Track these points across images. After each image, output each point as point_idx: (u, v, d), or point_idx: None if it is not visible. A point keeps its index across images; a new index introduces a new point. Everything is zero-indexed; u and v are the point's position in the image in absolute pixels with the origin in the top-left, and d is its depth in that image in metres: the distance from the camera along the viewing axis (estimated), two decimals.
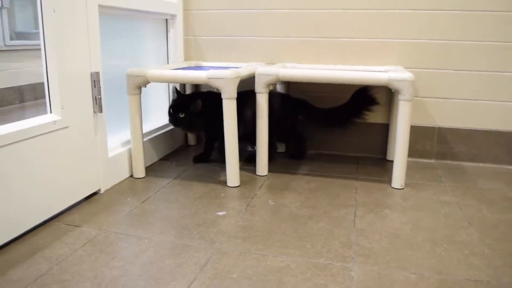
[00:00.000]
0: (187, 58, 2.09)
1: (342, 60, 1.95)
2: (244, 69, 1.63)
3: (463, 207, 1.43)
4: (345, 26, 1.92)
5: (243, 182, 1.60)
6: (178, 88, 2.08)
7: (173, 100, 1.71)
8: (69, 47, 1.31)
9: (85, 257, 1.09)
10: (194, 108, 1.64)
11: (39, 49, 1.27)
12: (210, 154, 1.85)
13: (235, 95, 1.50)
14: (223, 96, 1.49)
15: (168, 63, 2.02)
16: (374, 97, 1.77)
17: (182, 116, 1.64)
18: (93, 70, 1.40)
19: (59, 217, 1.30)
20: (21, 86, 3.29)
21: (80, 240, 1.17)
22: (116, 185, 1.57)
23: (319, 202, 1.45)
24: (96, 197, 1.46)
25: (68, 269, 1.03)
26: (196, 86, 2.09)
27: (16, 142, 1.14)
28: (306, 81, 1.56)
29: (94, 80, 1.40)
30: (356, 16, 1.90)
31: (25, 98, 3.29)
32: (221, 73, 1.48)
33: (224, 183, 1.59)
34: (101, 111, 1.44)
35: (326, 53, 1.96)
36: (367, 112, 1.81)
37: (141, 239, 1.18)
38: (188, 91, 2.08)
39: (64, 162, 1.31)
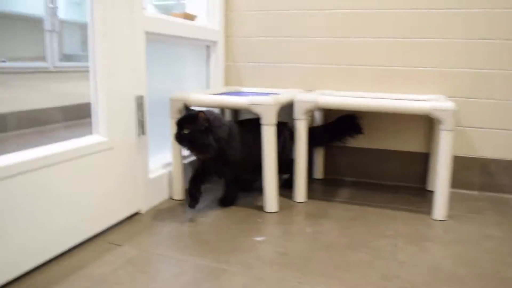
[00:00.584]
0: (227, 83, 2.13)
1: (381, 88, 1.94)
2: (284, 95, 1.64)
3: (508, 242, 1.37)
4: (384, 54, 1.92)
5: (281, 208, 1.60)
6: (217, 112, 2.11)
7: (181, 116, 1.50)
8: (116, 71, 1.36)
9: (126, 277, 1.10)
10: (200, 123, 1.41)
11: (85, 71, 1.33)
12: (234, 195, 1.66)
13: (275, 122, 1.51)
14: (263, 122, 1.50)
15: (208, 88, 2.06)
16: (360, 125, 1.83)
17: (186, 132, 1.41)
18: (138, 94, 1.45)
19: (101, 236, 1.33)
20: (67, 106, 3.42)
21: (120, 259, 1.19)
22: (156, 206, 1.59)
23: (358, 231, 1.43)
24: (137, 217, 1.49)
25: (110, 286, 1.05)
26: (235, 113, 2.12)
27: (64, 161, 1.18)
28: (346, 108, 1.56)
29: (139, 103, 1.45)
30: (397, 44, 1.90)
31: (70, 117, 3.42)
32: (262, 100, 1.50)
33: (262, 208, 1.59)
34: (144, 133, 1.47)
35: (364, 81, 1.96)
36: (349, 138, 1.87)
37: (180, 261, 1.18)
38: (228, 117, 2.10)
39: (107, 182, 1.35)
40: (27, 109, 3.17)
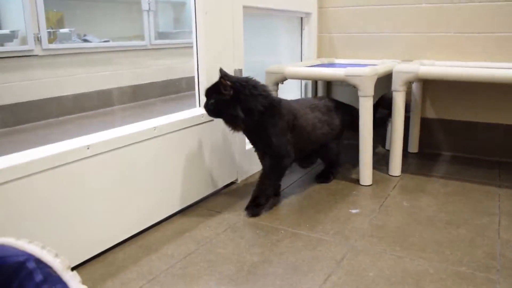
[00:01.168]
0: (320, 55, 2.11)
1: (488, 58, 1.80)
2: (381, 66, 1.59)
3: None
4: (493, 20, 1.77)
5: (375, 181, 1.58)
6: (312, 89, 2.11)
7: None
8: (216, 46, 1.40)
9: (227, 241, 1.17)
10: (224, 92, 1.23)
11: (178, 48, 1.39)
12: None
13: (373, 93, 1.48)
14: (360, 94, 1.48)
15: (301, 61, 2.05)
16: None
17: (211, 102, 1.26)
18: (237, 67, 1.49)
19: (202, 203, 1.41)
20: (162, 81, 3.61)
21: (222, 225, 1.25)
22: (250, 176, 1.65)
23: (458, 207, 1.37)
24: (233, 186, 1.55)
25: (213, 250, 1.12)
26: (328, 85, 2.10)
27: (171, 132, 1.26)
28: (452, 79, 1.48)
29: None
30: (508, 8, 1.75)
31: (166, 92, 3.61)
32: (359, 71, 1.47)
33: (356, 181, 1.58)
34: None
35: (468, 50, 1.83)
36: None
37: (277, 229, 1.22)
38: (321, 91, 2.09)
39: (207, 152, 1.42)
40: (128, 84, 3.39)
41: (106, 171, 1.09)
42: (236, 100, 1.23)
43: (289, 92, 2.04)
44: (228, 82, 1.22)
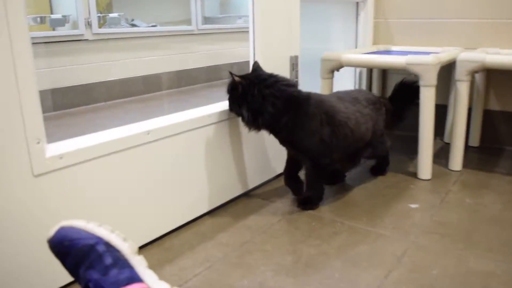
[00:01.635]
0: (375, 42, 2.06)
1: None
2: (444, 54, 1.54)
3: None
4: None
5: (434, 176, 1.53)
6: (366, 78, 2.06)
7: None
8: (273, 31, 1.40)
9: (282, 231, 1.17)
10: (234, 89, 1.20)
11: (224, 33, 1.38)
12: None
13: (435, 83, 1.43)
14: (421, 83, 1.43)
15: (356, 47, 2.01)
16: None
17: (228, 96, 1.23)
18: (293, 54, 1.47)
19: (255, 192, 1.41)
20: (208, 67, 3.63)
21: (276, 215, 1.26)
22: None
23: None
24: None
25: (268, 240, 1.12)
26: (383, 74, 2.05)
27: (227, 119, 1.27)
28: None
29: (293, 64, 1.48)
30: None
31: (212, 77, 3.63)
32: (422, 59, 1.43)
33: (414, 174, 1.55)
34: None
35: None
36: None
37: (334, 222, 1.21)
38: (376, 80, 2.05)
39: (263, 139, 1.42)
40: (175, 69, 3.44)
41: (164, 157, 1.11)
42: (243, 99, 1.19)
43: (342, 81, 2.01)
44: (237, 78, 1.18)
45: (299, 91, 1.24)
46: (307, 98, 1.23)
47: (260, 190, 1.43)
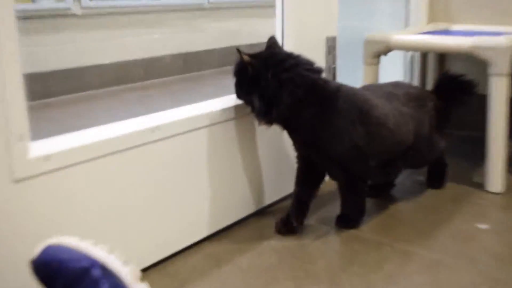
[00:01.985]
0: (431, 19, 2.02)
1: None
2: None
3: None
4: None
5: (509, 188, 1.50)
6: (418, 64, 2.03)
7: None
8: (306, 6, 1.38)
9: (317, 255, 1.15)
10: (244, 70, 1.16)
11: (242, 7, 1.37)
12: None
13: (509, 70, 1.40)
14: (491, 71, 1.40)
15: (406, 26, 1.98)
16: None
17: (235, 80, 1.21)
18: (329, 35, 1.46)
19: (274, 207, 1.39)
20: (222, 48, 3.62)
21: (309, 234, 1.24)
22: None
23: None
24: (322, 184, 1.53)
25: (300, 266, 1.10)
26: (440, 59, 2.01)
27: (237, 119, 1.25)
28: None
29: (329, 46, 1.46)
30: None
31: (227, 61, 3.63)
32: (492, 41, 1.40)
33: (480, 186, 1.51)
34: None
35: None
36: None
37: (382, 245, 1.19)
38: (431, 67, 2.01)
39: (288, 146, 1.40)
40: (181, 52, 3.44)
41: (171, 160, 1.10)
42: (254, 84, 1.15)
43: (389, 68, 1.98)
44: (246, 57, 1.14)
45: (326, 80, 1.21)
46: (337, 89, 1.20)
47: (281, 205, 1.40)
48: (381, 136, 1.22)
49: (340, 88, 1.20)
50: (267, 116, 1.16)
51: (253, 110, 1.18)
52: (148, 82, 3.20)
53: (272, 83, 1.13)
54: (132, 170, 1.03)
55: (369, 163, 1.24)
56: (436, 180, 1.52)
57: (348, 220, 1.28)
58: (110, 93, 2.98)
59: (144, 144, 1.03)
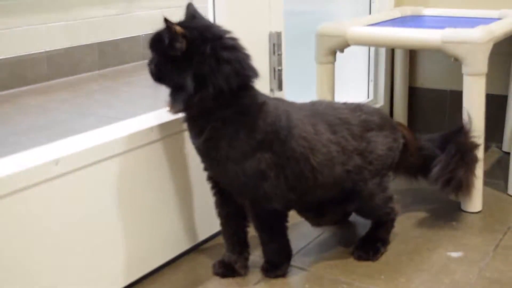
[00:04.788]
0: (399, 2, 2.10)
1: None
2: (500, 24, 1.61)
3: None
4: None
5: (487, 205, 1.61)
6: (386, 60, 2.08)
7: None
8: None
9: None
10: (170, 43, 1.17)
11: None
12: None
13: (486, 69, 1.50)
14: (465, 70, 1.51)
15: (370, 13, 2.07)
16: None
17: (151, 61, 1.24)
18: (274, 30, 1.53)
19: (207, 245, 1.48)
20: (148, 35, 3.64)
21: (253, 275, 1.32)
22: None
23: None
24: None
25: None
26: (411, 54, 2.08)
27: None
28: None
29: (274, 44, 1.53)
30: None
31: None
32: (465, 34, 1.49)
33: (456, 204, 1.62)
34: (280, 88, 1.57)
35: None
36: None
37: (337, 283, 1.27)
38: (399, 63, 2.09)
39: None
40: (98, 41, 3.43)
41: (77, 199, 1.15)
42: (188, 61, 1.17)
43: (353, 64, 2.05)
44: (179, 29, 1.15)
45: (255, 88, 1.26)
46: (262, 103, 1.24)
47: (218, 240, 1.46)
48: (297, 172, 1.26)
49: (266, 103, 1.25)
50: (190, 104, 1.19)
51: (176, 92, 1.21)
52: (54, 81, 3.19)
53: (209, 61, 1.17)
54: (21, 215, 1.06)
55: (283, 200, 1.27)
56: (366, 247, 1.42)
57: (273, 267, 1.33)
58: (3, 98, 2.96)
59: (43, 181, 1.08)
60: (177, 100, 1.21)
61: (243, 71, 1.20)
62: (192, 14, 1.23)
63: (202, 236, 1.46)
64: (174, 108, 1.22)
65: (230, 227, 1.33)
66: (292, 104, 1.34)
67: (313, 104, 1.40)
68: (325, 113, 1.34)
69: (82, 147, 1.16)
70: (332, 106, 1.40)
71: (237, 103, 1.21)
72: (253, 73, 1.23)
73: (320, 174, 1.27)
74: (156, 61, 1.21)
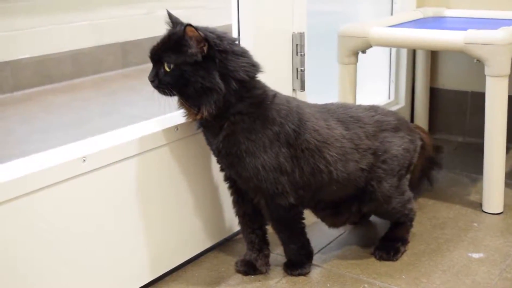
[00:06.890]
0: (421, 3, 2.10)
1: None
2: None
3: None
4: None
5: (508, 207, 1.61)
6: (407, 61, 2.10)
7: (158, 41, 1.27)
8: None
9: None
10: (191, 49, 1.19)
11: None
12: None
13: (508, 71, 1.50)
14: (487, 72, 1.51)
15: (391, 14, 2.07)
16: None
17: (169, 69, 1.21)
18: (297, 30, 1.54)
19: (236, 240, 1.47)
20: None
21: (274, 273, 1.34)
22: None
23: None
24: None
25: None
26: (433, 55, 2.08)
27: None
28: None
29: (297, 45, 1.54)
30: None
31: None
32: (488, 35, 1.50)
33: (478, 206, 1.62)
34: (303, 88, 1.58)
35: None
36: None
37: (358, 282, 1.28)
38: (420, 64, 2.10)
39: None
40: (121, 40, 3.46)
41: (98, 196, 1.17)
42: (211, 62, 1.19)
43: (374, 64, 2.06)
44: (200, 33, 1.17)
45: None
46: (274, 95, 1.28)
47: (237, 240, 1.49)
48: (311, 166, 1.27)
49: (276, 95, 1.28)
50: (220, 99, 1.20)
51: (201, 96, 1.20)
52: (78, 80, 3.22)
53: (230, 57, 1.21)
54: (48, 212, 1.08)
55: (297, 196, 1.29)
56: (388, 247, 1.42)
57: (295, 266, 1.35)
58: (27, 96, 2.99)
59: (71, 178, 1.10)
60: (208, 102, 1.20)
61: (254, 61, 1.25)
62: (175, 20, 1.25)
63: (225, 234, 1.48)
64: (204, 112, 1.20)
65: (248, 226, 1.36)
66: (302, 101, 1.38)
67: (324, 104, 1.42)
68: (336, 111, 1.37)
69: (108, 145, 1.17)
70: (344, 106, 1.43)
71: (251, 95, 1.24)
72: (259, 64, 1.26)
73: (334, 169, 1.29)
74: (177, 69, 1.19)
